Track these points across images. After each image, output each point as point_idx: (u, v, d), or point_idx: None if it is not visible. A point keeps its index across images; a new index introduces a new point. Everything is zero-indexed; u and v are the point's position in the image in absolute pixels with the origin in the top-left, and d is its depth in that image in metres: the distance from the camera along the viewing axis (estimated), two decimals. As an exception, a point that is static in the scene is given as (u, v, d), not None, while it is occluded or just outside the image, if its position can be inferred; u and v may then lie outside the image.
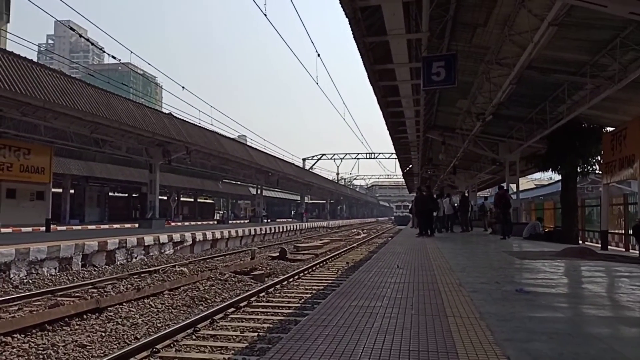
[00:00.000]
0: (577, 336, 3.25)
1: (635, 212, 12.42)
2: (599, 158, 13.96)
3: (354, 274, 7.03)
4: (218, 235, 21.60)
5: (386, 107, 15.92)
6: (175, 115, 23.41)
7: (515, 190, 21.17)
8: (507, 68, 10.31)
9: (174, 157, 23.62)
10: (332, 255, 17.70)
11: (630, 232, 11.75)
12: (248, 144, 37.63)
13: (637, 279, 6.23)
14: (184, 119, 24.26)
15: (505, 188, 17.89)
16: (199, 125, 25.97)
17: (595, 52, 9.36)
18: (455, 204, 23.20)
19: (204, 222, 39.27)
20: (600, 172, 13.72)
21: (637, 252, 10.86)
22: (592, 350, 2.89)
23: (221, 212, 58.53)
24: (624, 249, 12.61)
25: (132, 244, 14.97)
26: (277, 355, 2.79)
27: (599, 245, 13.11)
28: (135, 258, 14.96)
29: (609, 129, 13.25)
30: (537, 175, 46.00)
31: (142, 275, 11.66)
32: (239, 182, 48.24)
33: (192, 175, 38.14)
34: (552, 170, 16.23)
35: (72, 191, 31.84)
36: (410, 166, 35.40)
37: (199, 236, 19.62)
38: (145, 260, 15.01)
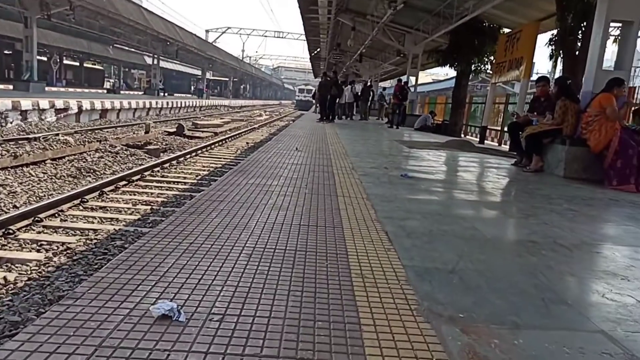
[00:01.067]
0: (446, 216, 3.69)
1: (512, 111, 13.70)
2: (492, 58, 14.82)
3: (253, 153, 7.08)
4: (108, 105, 20.04)
5: (298, -19, 14.96)
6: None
7: (414, 83, 22.03)
8: (423, -46, 10.05)
9: (55, 12, 20.53)
10: (232, 134, 17.52)
11: (505, 129, 13.07)
12: (144, 6, 33.70)
13: (503, 170, 7.08)
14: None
15: (405, 81, 18.51)
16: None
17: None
18: (357, 93, 23.69)
19: (92, 90, 35.92)
20: (491, 72, 14.66)
21: (508, 147, 12.21)
22: (457, 228, 3.32)
23: (112, 80, 53.66)
24: (497, 144, 14.10)
25: (6, 107, 13.38)
26: (170, 227, 2.81)
27: (478, 139, 14.48)
28: (11, 123, 13.50)
29: (506, 30, 13.93)
30: (435, 70, 47.87)
31: (20, 142, 10.65)
32: (132, 50, 43.90)
33: (77, 35, 33.77)
34: (449, 66, 17.00)
35: None
36: (319, 50, 34.72)
37: (86, 104, 18.04)
38: (23, 126, 13.63)
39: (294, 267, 2.30)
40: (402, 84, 17.50)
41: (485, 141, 14.31)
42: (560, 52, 9.37)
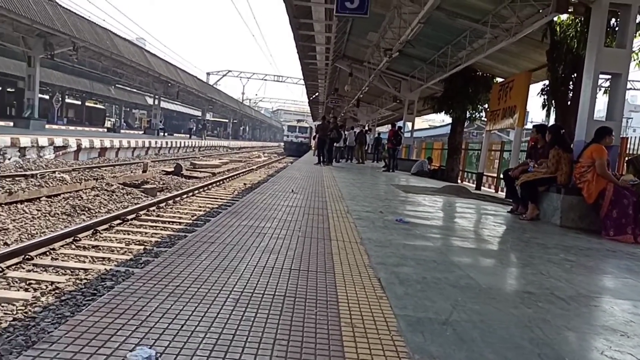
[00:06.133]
0: (441, 263, 3.63)
1: (508, 158, 13.82)
2: (486, 106, 15.10)
3: (248, 195, 7.06)
4: (107, 143, 20.18)
5: (298, 28, 15.45)
6: (60, 4, 20.53)
7: (410, 128, 22.35)
8: (418, 6, 10.44)
9: (58, 52, 21.06)
10: (230, 175, 17.58)
11: (501, 176, 13.14)
12: (147, 48, 34.59)
13: (499, 217, 7.05)
14: (72, 9, 21.42)
15: (399, 125, 18.82)
16: (89, 19, 23.16)
17: (499, 2, 9.80)
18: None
19: (93, 129, 36.28)
20: (486, 120, 14.91)
21: (504, 194, 12.23)
22: (451, 276, 3.25)
23: (112, 119, 54.32)
24: (494, 190, 14.13)
25: (5, 143, 13.46)
26: (157, 269, 2.75)
27: (474, 186, 14.53)
28: (9, 160, 13.53)
29: (499, 79, 14.27)
30: (432, 116, 48.70)
31: (16, 178, 10.64)
32: (134, 90, 44.73)
33: (79, 75, 34.48)
34: (445, 113, 17.28)
35: None
36: (317, 94, 35.45)
37: (85, 142, 18.17)
38: (21, 163, 13.65)
39: (281, 314, 2.23)
40: (396, 129, 17.78)
41: (482, 188, 14.36)
42: (553, 101, 9.56)
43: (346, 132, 22.67)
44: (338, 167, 17.39)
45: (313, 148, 26.32)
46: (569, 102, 8.84)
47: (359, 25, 14.80)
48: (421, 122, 50.41)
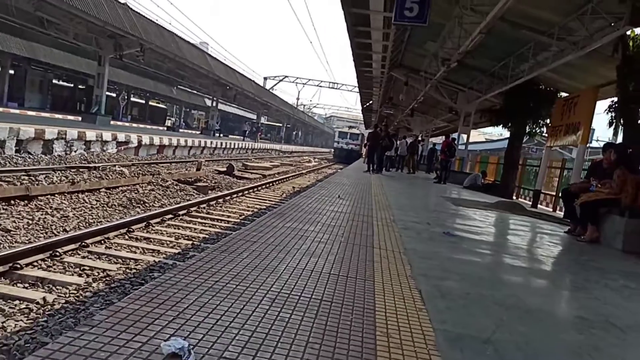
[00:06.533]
0: (487, 280, 3.48)
1: (569, 176, 13.13)
2: (547, 121, 14.44)
3: (295, 197, 7.11)
4: (166, 141, 21.02)
5: (355, 36, 15.45)
6: (131, 7, 21.68)
7: (465, 140, 21.77)
8: (480, 16, 10.14)
9: (126, 53, 22.21)
10: (279, 178, 17.80)
11: (560, 194, 12.51)
12: (209, 52, 35.82)
13: (555, 237, 6.69)
14: (141, 12, 22.57)
15: (453, 137, 18.36)
16: (157, 22, 24.29)
17: (567, 14, 9.34)
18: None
19: (154, 127, 37.95)
20: (546, 135, 14.25)
21: (562, 213, 11.63)
22: (497, 294, 3.10)
23: (172, 119, 56.62)
24: (551, 209, 13.47)
25: (73, 136, 14.31)
26: (199, 263, 2.80)
27: (530, 203, 13.90)
28: (75, 152, 14.38)
29: (563, 94, 13.62)
30: (489, 129, 47.23)
31: (80, 170, 11.27)
32: (194, 92, 46.42)
33: (145, 75, 36.19)
34: (503, 127, 16.70)
35: (11, 72, 29.54)
36: (371, 102, 35.32)
37: (146, 139, 19.01)
38: (85, 155, 14.46)
39: (316, 317, 2.21)
40: (450, 140, 17.35)
41: (539, 205, 13.72)
42: (621, 119, 9.00)
43: (398, 141, 22.42)
44: (388, 176, 17.20)
45: (363, 156, 26.18)
46: (639, 121, 8.29)
47: (418, 34, 14.60)
48: (477, 134, 49.02)
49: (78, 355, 1.54)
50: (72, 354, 1.54)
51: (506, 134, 19.35)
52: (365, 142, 20.36)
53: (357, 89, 34.24)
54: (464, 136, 21.49)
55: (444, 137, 18.78)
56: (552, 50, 10.60)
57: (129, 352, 1.62)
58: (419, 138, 27.60)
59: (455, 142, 18.40)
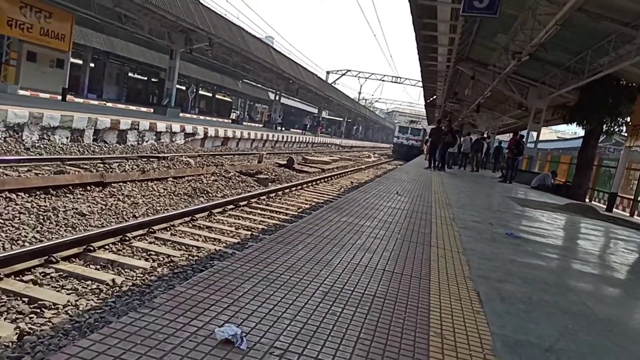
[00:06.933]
0: (553, 285, 3.29)
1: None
2: (628, 119, 13.42)
3: (352, 192, 7.09)
4: (230, 134, 21.67)
5: (420, 28, 15.09)
6: (201, 1, 22.46)
7: (535, 138, 20.72)
8: (556, 6, 9.56)
9: (196, 47, 23.07)
10: (338, 172, 17.83)
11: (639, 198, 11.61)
12: (274, 47, 36.45)
13: (633, 244, 6.22)
14: (210, 7, 23.33)
15: (521, 134, 17.50)
16: (225, 17, 25.02)
17: (655, 3, 8.60)
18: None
19: (219, 119, 39.27)
20: (626, 134, 13.26)
21: (640, 219, 10.79)
22: (562, 300, 2.93)
23: (237, 112, 58.29)
24: (628, 214, 12.54)
25: (145, 127, 15.10)
26: (255, 253, 2.86)
27: (604, 206, 13.02)
28: (146, 142, 15.17)
29: (647, 90, 12.59)
30: (562, 127, 44.56)
31: (150, 159, 11.88)
32: (258, 85, 47.47)
33: (212, 69, 37.45)
34: (577, 124, 15.70)
35: (92, 65, 31.63)
36: (434, 97, 34.42)
37: (212, 131, 19.71)
38: (156, 145, 15.22)
39: (368, 313, 2.19)
40: (518, 137, 16.55)
41: (614, 210, 12.82)
42: None
43: (462, 138, 21.72)
44: (450, 173, 16.73)
45: (425, 152, 25.60)
46: None
47: (487, 26, 14.02)
48: (548, 132, 46.57)
49: (138, 335, 1.62)
50: (132, 334, 1.62)
51: (580, 132, 18.19)
52: (427, 137, 19.89)
53: (420, 84, 33.47)
54: (534, 134, 20.43)
55: (511, 134, 17.96)
56: (637, 43, 9.80)
57: (185, 335, 1.68)
58: (485, 135, 26.58)
59: (524, 139, 17.55)
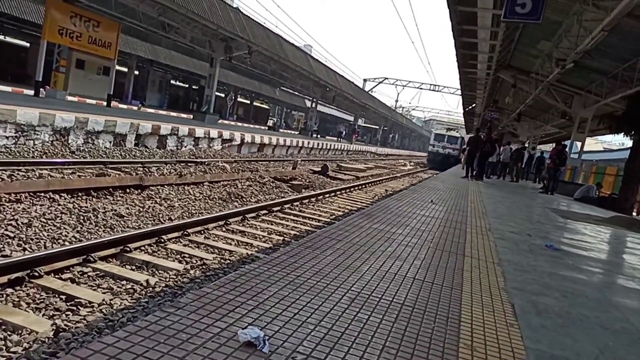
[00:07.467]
0: (593, 300, 3.13)
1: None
2: (681, 129, 12.75)
3: (385, 199, 7.00)
4: (266, 140, 21.93)
5: (460, 35, 14.86)
6: (242, 10, 22.96)
7: (579, 148, 19.97)
8: (603, 12, 9.21)
9: (235, 55, 23.53)
10: (372, 180, 17.70)
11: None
12: (312, 55, 36.76)
13: (682, 261, 5.86)
14: (250, 16, 23.80)
15: (564, 144, 16.89)
16: (264, 25, 25.44)
17: None
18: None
19: (256, 126, 39.86)
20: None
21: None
22: (603, 316, 2.78)
23: (274, 119, 59.01)
24: (679, 230, 11.85)
25: (184, 133, 15.48)
26: (283, 257, 2.85)
27: (654, 221, 12.36)
28: (185, 147, 15.54)
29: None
30: (608, 137, 42.72)
31: (188, 164, 12.16)
32: (295, 93, 47.94)
33: (251, 77, 38.11)
34: (625, 134, 15.02)
35: (136, 72, 32.80)
36: (474, 105, 33.76)
37: (248, 138, 20.00)
38: (194, 150, 15.57)
39: (395, 322, 2.13)
40: (561, 147, 15.97)
41: (664, 224, 12.14)
42: None
43: (501, 147, 21.16)
44: (488, 183, 16.32)
45: (462, 162, 25.06)
46: None
47: (530, 32, 13.66)
48: (594, 143, 44.76)
49: (161, 334, 1.63)
50: (157, 333, 1.64)
51: (628, 143, 17.38)
52: (465, 146, 19.49)
53: (459, 92, 32.89)
54: (578, 144, 19.69)
55: (554, 144, 17.35)
56: (690, 49, 9.33)
57: (208, 336, 1.68)
58: (525, 144, 25.82)
59: (567, 149, 16.93)
